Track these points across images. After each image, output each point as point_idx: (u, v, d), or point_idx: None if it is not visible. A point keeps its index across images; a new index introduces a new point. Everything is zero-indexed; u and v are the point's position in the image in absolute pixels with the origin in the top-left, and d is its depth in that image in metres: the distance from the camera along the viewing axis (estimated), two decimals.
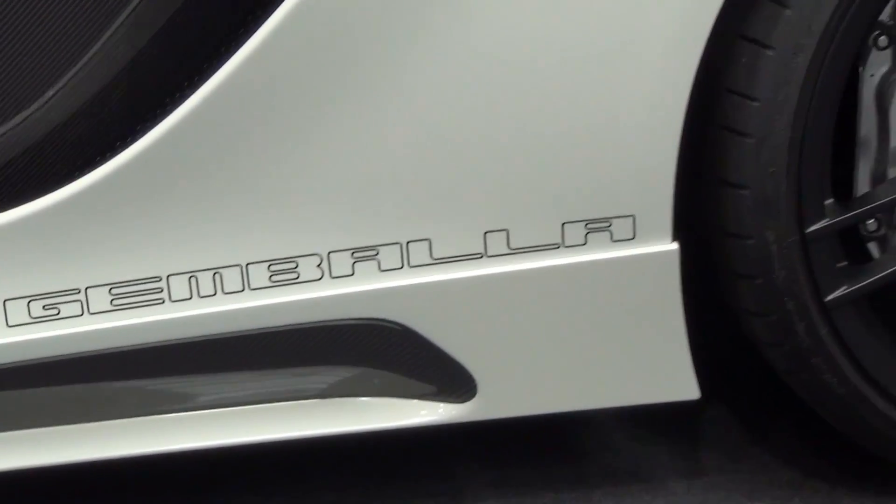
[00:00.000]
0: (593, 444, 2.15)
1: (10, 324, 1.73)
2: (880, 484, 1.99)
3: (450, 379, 1.84)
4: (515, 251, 1.76)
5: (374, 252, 1.74)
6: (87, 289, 1.71)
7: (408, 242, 1.75)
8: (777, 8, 1.70)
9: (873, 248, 1.92)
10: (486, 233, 1.75)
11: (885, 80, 1.85)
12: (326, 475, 2.07)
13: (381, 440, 1.95)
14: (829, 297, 1.82)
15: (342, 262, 1.75)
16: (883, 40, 1.83)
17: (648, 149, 1.73)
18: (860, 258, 1.91)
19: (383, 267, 1.76)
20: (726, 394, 2.20)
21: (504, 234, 1.75)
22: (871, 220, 1.89)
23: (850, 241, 1.92)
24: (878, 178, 1.87)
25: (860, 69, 1.85)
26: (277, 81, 1.64)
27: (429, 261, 1.76)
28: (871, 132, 1.87)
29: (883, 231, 1.90)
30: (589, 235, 1.76)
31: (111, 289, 1.71)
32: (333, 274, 1.75)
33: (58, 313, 1.72)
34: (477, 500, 2.02)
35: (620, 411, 2.12)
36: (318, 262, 1.74)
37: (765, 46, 1.71)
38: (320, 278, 1.75)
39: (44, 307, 1.72)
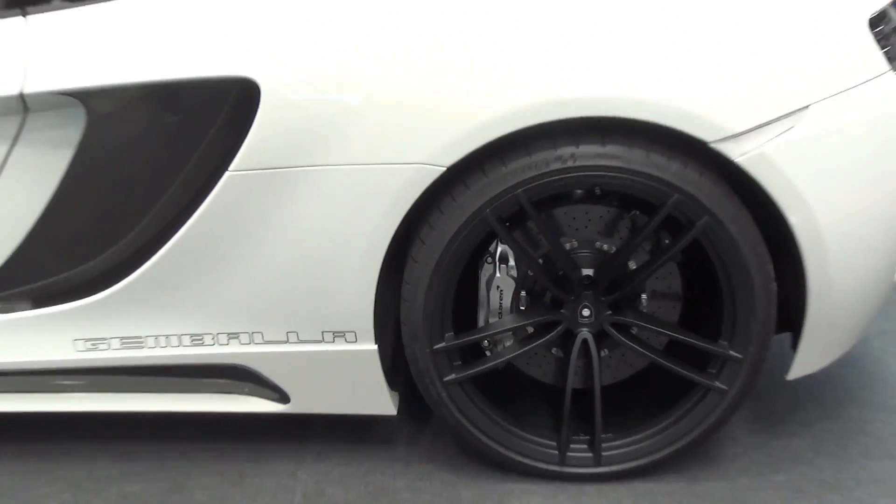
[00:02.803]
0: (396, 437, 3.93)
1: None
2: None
3: (279, 392, 3.58)
4: (302, 341, 3.47)
5: (236, 335, 3.48)
6: (111, 338, 3.59)
7: (252, 332, 3.47)
8: (418, 242, 3.36)
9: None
10: (287, 332, 3.47)
11: (489, 279, 3.54)
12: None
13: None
14: (445, 379, 3.49)
15: (223, 338, 3.49)
16: (489, 259, 3.53)
17: (357, 302, 3.37)
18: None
19: (241, 342, 3.48)
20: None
21: (296, 332, 3.46)
22: (486, 342, 3.65)
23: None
24: (486, 321, 3.59)
25: (480, 271, 3.56)
26: (206, 250, 3.41)
27: (262, 341, 3.48)
28: (484, 300, 3.56)
29: (491, 348, 3.66)
30: (335, 338, 3.45)
31: (122, 339, 3.57)
32: (219, 343, 3.50)
33: (107, 347, 3.61)
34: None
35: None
36: (213, 337, 3.49)
37: (414, 261, 3.38)
38: (213, 344, 3.50)
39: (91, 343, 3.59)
